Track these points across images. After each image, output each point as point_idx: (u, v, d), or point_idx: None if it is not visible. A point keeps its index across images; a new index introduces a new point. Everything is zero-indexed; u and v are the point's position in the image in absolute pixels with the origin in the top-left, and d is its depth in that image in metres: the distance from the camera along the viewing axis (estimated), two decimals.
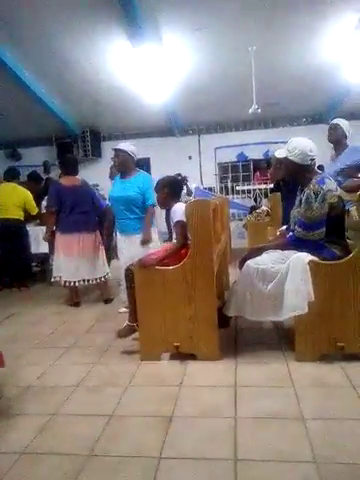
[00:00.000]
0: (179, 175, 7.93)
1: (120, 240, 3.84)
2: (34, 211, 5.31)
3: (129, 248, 3.68)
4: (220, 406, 2.13)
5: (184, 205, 2.81)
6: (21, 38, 6.94)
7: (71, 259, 4.14)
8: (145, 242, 3.60)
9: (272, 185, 6.54)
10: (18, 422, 2.11)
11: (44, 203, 5.63)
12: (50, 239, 4.42)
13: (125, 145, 3.73)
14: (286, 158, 2.69)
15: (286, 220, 3.68)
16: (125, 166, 3.72)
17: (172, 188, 3.04)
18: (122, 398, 2.28)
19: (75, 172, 4.37)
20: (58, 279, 4.24)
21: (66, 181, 4.27)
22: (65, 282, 4.19)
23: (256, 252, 2.84)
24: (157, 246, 3.58)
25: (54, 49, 7.24)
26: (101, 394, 2.36)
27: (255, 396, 2.22)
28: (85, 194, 4.31)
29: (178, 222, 2.82)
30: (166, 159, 9.73)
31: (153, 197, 3.52)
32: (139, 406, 2.19)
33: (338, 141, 3.78)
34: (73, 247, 4.16)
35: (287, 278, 2.56)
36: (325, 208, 2.55)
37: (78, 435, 1.95)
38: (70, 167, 4.38)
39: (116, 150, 3.72)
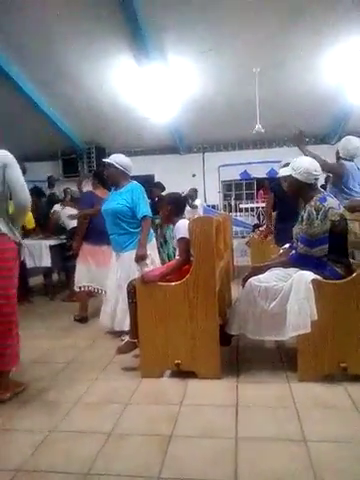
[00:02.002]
0: (195, 190, 8.07)
1: (112, 258, 3.61)
2: (30, 225, 5.30)
3: (118, 267, 3.45)
4: (221, 426, 2.09)
5: (187, 221, 2.84)
6: (30, 56, 7.09)
7: (102, 269, 4.03)
8: (139, 259, 3.31)
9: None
10: (15, 438, 2.07)
11: (63, 213, 5.66)
12: (76, 247, 4.31)
13: (113, 157, 3.55)
14: (290, 176, 2.74)
15: (280, 240, 3.71)
16: (113, 179, 3.56)
17: (176, 205, 3.04)
18: (121, 416, 2.25)
19: (108, 186, 4.31)
20: (84, 289, 4.19)
21: (100, 192, 4.24)
22: (96, 290, 4.18)
23: (259, 270, 2.84)
24: (155, 263, 3.47)
25: (61, 67, 7.39)
26: (100, 411, 2.33)
27: (256, 416, 2.18)
28: None
29: (182, 239, 2.82)
30: (170, 176, 9.79)
31: (146, 208, 3.37)
32: (138, 424, 2.15)
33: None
34: (100, 257, 4.12)
35: (290, 296, 2.55)
36: (327, 225, 2.57)
37: (76, 453, 1.91)
38: (105, 180, 4.35)
39: (104, 163, 3.62)
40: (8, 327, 2.44)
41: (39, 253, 5.24)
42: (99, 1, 5.80)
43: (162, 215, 3.15)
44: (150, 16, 5.97)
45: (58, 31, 6.49)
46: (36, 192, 6.86)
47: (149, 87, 7.70)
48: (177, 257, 2.91)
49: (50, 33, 6.53)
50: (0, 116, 8.29)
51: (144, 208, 3.38)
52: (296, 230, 2.81)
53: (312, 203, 2.63)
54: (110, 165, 3.49)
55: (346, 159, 3.75)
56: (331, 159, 3.92)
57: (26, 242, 5.23)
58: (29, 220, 5.32)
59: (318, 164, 2.75)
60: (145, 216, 3.37)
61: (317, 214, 2.57)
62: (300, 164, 2.71)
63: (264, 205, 9.39)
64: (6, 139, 9.21)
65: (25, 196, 2.46)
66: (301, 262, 2.69)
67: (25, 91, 7.92)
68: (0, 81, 7.48)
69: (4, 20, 6.14)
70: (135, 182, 3.53)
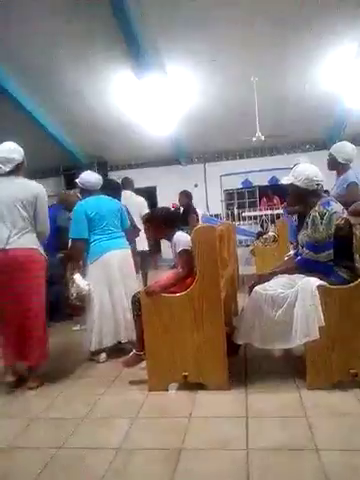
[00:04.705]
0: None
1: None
2: None
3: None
4: (231, 438, 2.06)
5: (186, 234, 2.85)
6: (30, 72, 7.19)
7: None
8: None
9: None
10: (23, 456, 2.05)
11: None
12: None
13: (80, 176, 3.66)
14: (292, 184, 2.75)
15: None
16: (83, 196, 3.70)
17: (166, 221, 2.96)
18: (130, 430, 2.22)
19: (119, 197, 4.31)
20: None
21: None
22: None
23: (265, 278, 2.83)
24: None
25: (61, 82, 7.49)
26: (108, 426, 2.30)
27: (267, 427, 2.15)
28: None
29: (185, 251, 2.78)
30: (172, 188, 9.84)
31: (72, 230, 3.42)
32: (147, 438, 2.13)
33: (334, 168, 3.84)
34: None
35: (296, 303, 2.53)
36: (331, 229, 2.57)
37: (84, 470, 1.89)
38: (116, 191, 4.36)
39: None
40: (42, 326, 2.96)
41: None
42: (95, 16, 5.88)
43: (152, 233, 3.15)
44: (146, 28, 6.05)
45: (57, 47, 6.59)
46: None
47: (149, 99, 7.77)
48: (179, 269, 2.84)
49: (49, 49, 6.62)
50: (1, 132, 8.37)
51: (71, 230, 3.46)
52: (301, 236, 2.79)
53: (316, 208, 2.63)
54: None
55: (347, 165, 3.75)
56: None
57: None
58: None
59: (318, 170, 2.75)
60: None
61: (321, 219, 2.57)
62: (301, 172, 2.72)
63: (267, 213, 9.43)
64: None
65: (46, 227, 3.02)
66: (307, 267, 2.68)
67: (25, 107, 8.01)
68: (2, 98, 7.58)
69: (5, 39, 6.24)
70: (83, 201, 3.53)
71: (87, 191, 3.62)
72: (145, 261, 5.73)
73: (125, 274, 3.50)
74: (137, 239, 4.69)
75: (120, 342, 3.46)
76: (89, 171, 3.77)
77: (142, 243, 5.33)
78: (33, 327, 2.90)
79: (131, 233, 3.92)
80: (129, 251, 3.64)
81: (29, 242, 2.88)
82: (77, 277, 3.43)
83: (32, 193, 2.89)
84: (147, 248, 5.63)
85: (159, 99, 7.75)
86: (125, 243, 3.62)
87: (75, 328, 4.36)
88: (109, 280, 3.41)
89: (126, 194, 5.32)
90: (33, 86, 7.56)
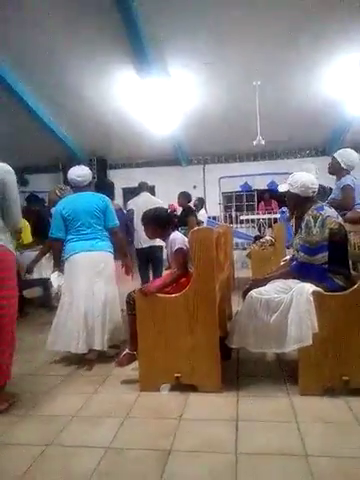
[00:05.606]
0: (201, 200, 8.03)
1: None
2: (27, 240, 5.34)
3: None
4: (221, 441, 2.06)
5: (181, 234, 2.87)
6: (33, 69, 7.18)
7: None
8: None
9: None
10: (11, 452, 2.04)
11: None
12: None
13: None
14: (288, 191, 2.83)
15: None
16: None
17: (158, 223, 2.97)
18: (120, 430, 2.21)
19: (113, 197, 4.27)
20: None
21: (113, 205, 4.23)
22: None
23: (260, 283, 2.84)
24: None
25: (64, 80, 7.47)
26: (98, 425, 2.29)
27: (257, 431, 2.15)
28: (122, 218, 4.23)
29: (180, 250, 2.81)
30: (171, 188, 9.83)
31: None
32: (137, 439, 2.12)
33: (334, 173, 3.86)
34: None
35: (290, 309, 2.53)
36: (325, 232, 2.61)
37: (73, 468, 1.88)
38: (108, 189, 4.32)
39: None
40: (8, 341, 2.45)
41: (38, 264, 5.20)
42: (101, 15, 5.88)
43: (148, 233, 3.08)
44: (151, 29, 6.05)
45: (60, 45, 6.58)
46: (36, 201, 6.87)
47: (151, 99, 7.77)
48: (173, 269, 2.85)
49: (53, 47, 6.62)
50: (3, 128, 8.38)
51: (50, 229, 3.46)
52: (296, 240, 2.83)
53: (309, 212, 2.70)
54: None
55: (348, 171, 3.77)
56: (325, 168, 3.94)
57: (26, 253, 5.26)
58: (26, 236, 5.34)
59: (313, 177, 2.82)
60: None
61: (315, 222, 2.63)
62: (297, 179, 2.80)
63: (265, 217, 9.45)
64: (8, 151, 9.34)
65: (18, 216, 2.49)
66: (302, 271, 2.69)
67: (28, 103, 8.00)
68: (4, 94, 7.58)
69: (8, 35, 6.24)
70: (62, 200, 3.55)
71: (76, 187, 3.56)
72: (155, 258, 5.42)
73: (94, 277, 3.28)
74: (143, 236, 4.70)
75: (90, 350, 3.23)
76: (76, 167, 3.62)
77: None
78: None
79: (120, 232, 3.65)
80: (105, 253, 3.39)
81: None
82: (53, 276, 3.45)
83: None
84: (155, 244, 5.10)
85: (161, 99, 7.75)
86: (99, 245, 3.36)
87: None
88: (72, 283, 3.29)
89: (145, 196, 5.44)
90: (37, 84, 7.56)
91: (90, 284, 3.26)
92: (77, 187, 3.54)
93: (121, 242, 3.61)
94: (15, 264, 2.53)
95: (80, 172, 3.53)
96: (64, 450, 2.04)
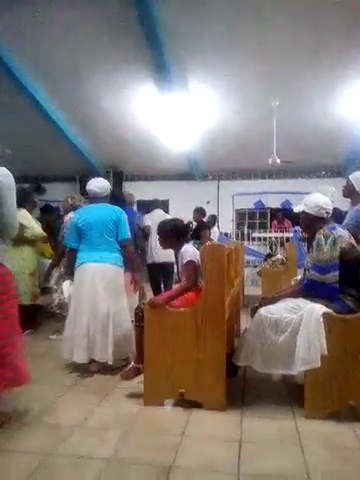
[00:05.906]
0: (214, 217, 8.11)
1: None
2: (48, 253, 5.40)
3: None
4: (222, 460, 2.03)
5: (193, 247, 2.89)
6: (55, 81, 7.36)
7: None
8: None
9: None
10: (12, 460, 2.04)
11: None
12: None
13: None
14: (303, 212, 2.85)
15: None
16: None
17: (176, 233, 3.00)
18: (122, 443, 2.20)
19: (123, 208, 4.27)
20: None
21: None
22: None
23: (269, 301, 2.83)
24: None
25: (85, 93, 7.63)
26: (101, 436, 2.28)
27: (260, 452, 2.11)
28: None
29: (191, 262, 2.82)
30: (185, 202, 9.90)
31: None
32: (138, 453, 2.10)
33: (349, 196, 3.75)
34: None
35: (300, 330, 2.51)
36: (336, 251, 2.61)
37: (73, 478, 1.87)
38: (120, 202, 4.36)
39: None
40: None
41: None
42: (125, 32, 6.01)
43: (162, 244, 3.11)
44: (174, 47, 6.16)
45: (84, 59, 6.75)
46: (50, 211, 6.99)
47: (169, 115, 7.87)
48: (183, 281, 2.87)
49: (76, 63, 6.80)
50: (25, 139, 8.58)
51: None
52: (307, 258, 2.82)
53: (321, 231, 2.70)
54: None
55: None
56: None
57: (45, 261, 5.33)
58: (46, 249, 5.41)
59: (328, 199, 2.82)
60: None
61: (326, 240, 2.63)
62: (311, 200, 2.82)
63: (277, 235, 9.42)
64: (26, 159, 9.51)
65: (14, 223, 2.33)
66: (312, 290, 2.68)
67: (49, 115, 8.18)
68: (31, 108, 7.82)
69: (34, 51, 6.45)
70: (77, 210, 3.73)
71: (94, 198, 3.60)
72: (167, 273, 5.54)
73: (99, 288, 3.27)
74: (158, 251, 4.99)
75: (94, 360, 3.25)
76: (95, 178, 3.67)
77: (164, 254, 4.99)
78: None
79: (130, 245, 3.61)
80: (111, 266, 3.36)
81: None
82: (64, 284, 3.48)
83: None
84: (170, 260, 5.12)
85: (179, 115, 7.85)
86: (107, 257, 3.34)
87: (52, 337, 4.32)
88: (77, 292, 3.35)
89: (159, 213, 5.64)
90: (59, 96, 7.75)
91: (94, 294, 3.27)
92: (94, 198, 3.59)
93: (130, 256, 3.56)
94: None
95: (100, 184, 3.60)
96: (65, 460, 2.03)
